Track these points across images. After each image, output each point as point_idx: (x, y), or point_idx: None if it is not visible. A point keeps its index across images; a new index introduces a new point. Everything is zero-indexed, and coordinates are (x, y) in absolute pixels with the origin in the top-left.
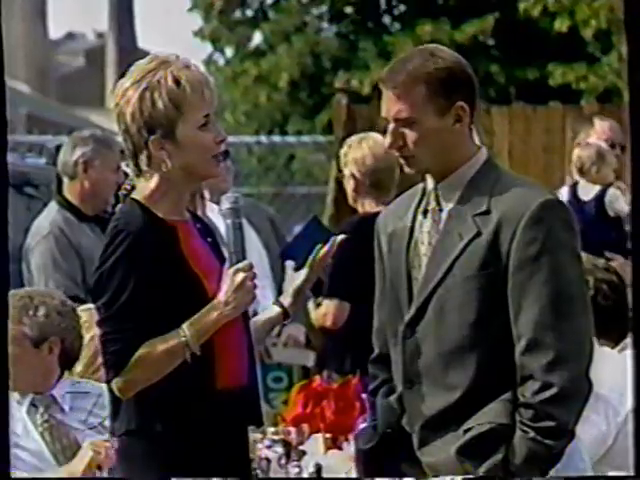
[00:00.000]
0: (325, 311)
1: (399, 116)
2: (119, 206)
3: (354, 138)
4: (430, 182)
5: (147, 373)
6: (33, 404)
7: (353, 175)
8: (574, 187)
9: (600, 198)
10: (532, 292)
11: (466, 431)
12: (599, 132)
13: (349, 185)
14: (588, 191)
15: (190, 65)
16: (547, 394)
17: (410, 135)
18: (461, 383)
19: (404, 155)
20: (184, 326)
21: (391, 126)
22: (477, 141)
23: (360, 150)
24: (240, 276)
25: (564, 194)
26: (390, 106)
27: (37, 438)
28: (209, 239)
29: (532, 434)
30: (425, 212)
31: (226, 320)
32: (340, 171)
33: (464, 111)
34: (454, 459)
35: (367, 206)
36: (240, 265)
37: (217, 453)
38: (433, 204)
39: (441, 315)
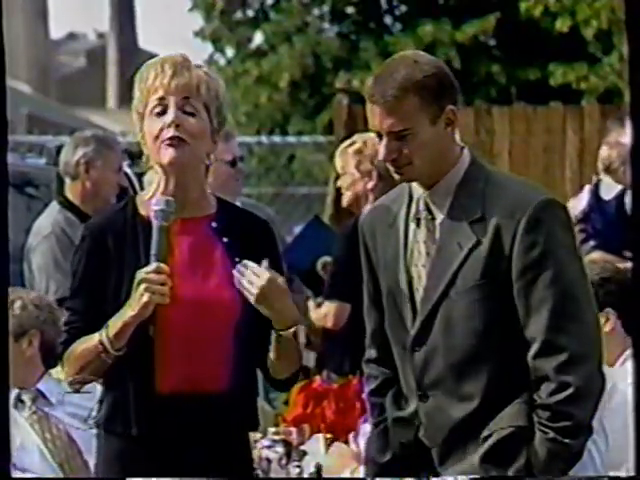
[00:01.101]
0: (326, 312)
1: (393, 129)
2: None
3: (364, 136)
4: (418, 189)
5: (74, 369)
6: (20, 399)
7: (371, 172)
8: (596, 186)
9: (621, 197)
10: (538, 295)
11: (486, 438)
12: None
13: (362, 183)
14: (610, 190)
15: (157, 62)
16: (563, 394)
17: (405, 146)
18: (476, 392)
19: (399, 165)
20: (104, 326)
21: (384, 139)
22: (459, 141)
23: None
24: (137, 277)
25: (586, 193)
26: (382, 120)
27: (29, 430)
28: (225, 239)
29: (551, 434)
30: (417, 220)
31: (134, 321)
32: (337, 173)
33: (454, 114)
34: (478, 468)
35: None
36: (146, 268)
37: (172, 457)
38: (424, 213)
39: (448, 326)
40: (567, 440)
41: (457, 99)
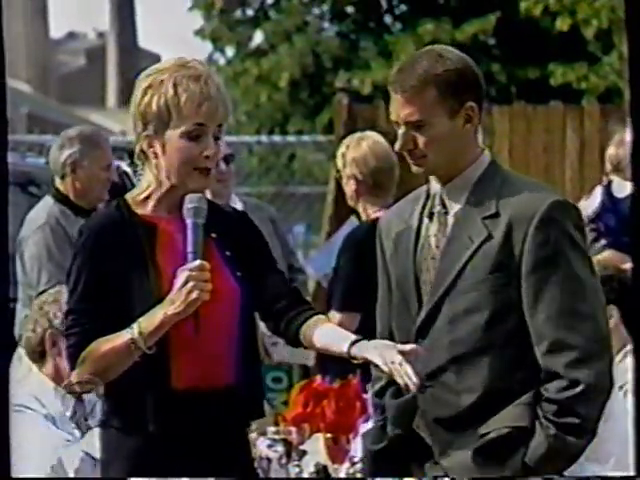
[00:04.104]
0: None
1: (409, 119)
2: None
3: (352, 137)
4: (435, 185)
5: (95, 369)
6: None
7: (354, 176)
8: (608, 185)
9: None
10: (548, 294)
11: (483, 435)
12: None
13: (349, 186)
14: (622, 188)
15: (201, 75)
16: (574, 391)
17: (421, 138)
18: (475, 387)
19: (415, 157)
20: (134, 324)
21: (402, 129)
22: (480, 142)
23: (360, 150)
24: (183, 275)
25: (598, 193)
26: (400, 109)
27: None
28: (213, 235)
29: (553, 430)
30: (431, 215)
31: (175, 319)
32: (337, 171)
33: (474, 111)
34: (471, 463)
35: (369, 209)
36: (190, 265)
37: (186, 453)
38: (439, 207)
39: (453, 319)
40: (569, 438)
41: (480, 97)
